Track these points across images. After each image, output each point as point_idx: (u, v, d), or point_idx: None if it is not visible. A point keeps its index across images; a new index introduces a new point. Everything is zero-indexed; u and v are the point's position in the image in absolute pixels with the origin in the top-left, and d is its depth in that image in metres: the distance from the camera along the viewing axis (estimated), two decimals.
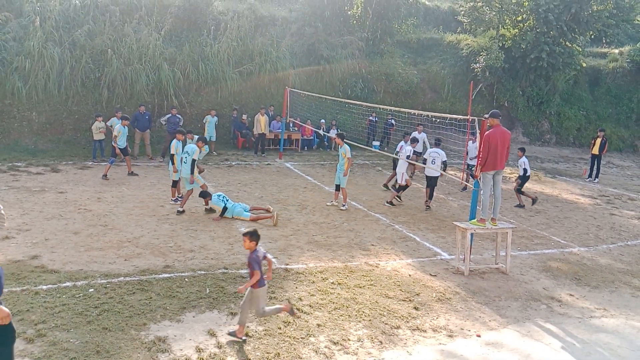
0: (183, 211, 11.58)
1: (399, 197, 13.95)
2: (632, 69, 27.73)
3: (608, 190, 17.94)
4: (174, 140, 12.32)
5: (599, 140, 19.29)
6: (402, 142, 14.52)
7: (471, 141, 14.62)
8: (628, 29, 31.13)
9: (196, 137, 12.66)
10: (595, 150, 19.32)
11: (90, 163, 16.20)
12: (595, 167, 19.43)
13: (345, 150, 12.62)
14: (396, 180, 14.03)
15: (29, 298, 6.94)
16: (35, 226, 10.04)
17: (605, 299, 8.50)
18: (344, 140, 12.86)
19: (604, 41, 29.69)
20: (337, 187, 12.99)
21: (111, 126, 16.23)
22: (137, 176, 14.77)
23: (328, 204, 13.12)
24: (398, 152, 14.13)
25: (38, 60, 17.67)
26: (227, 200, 11.55)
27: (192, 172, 11.52)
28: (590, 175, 19.61)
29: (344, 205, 12.81)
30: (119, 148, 14.72)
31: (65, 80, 18.10)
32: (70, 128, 18.19)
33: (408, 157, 13.74)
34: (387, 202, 13.61)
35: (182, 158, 11.77)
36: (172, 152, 12.21)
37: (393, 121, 21.72)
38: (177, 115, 17.94)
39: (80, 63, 18.35)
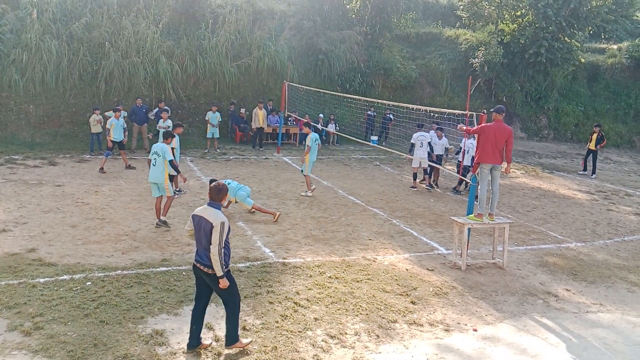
0: (165, 222, 10.13)
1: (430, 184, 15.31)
2: (631, 65, 27.73)
3: (605, 185, 17.97)
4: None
5: (595, 136, 19.34)
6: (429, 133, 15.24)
7: (436, 136, 15.20)
8: (627, 24, 31.11)
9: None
10: (592, 146, 19.36)
11: (88, 156, 16.17)
12: (591, 162, 19.49)
13: (308, 138, 13.06)
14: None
15: (26, 291, 6.94)
16: (33, 219, 10.02)
17: (602, 294, 8.53)
18: (311, 127, 13.47)
19: (602, 37, 29.67)
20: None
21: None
22: (134, 169, 14.75)
23: (302, 194, 13.36)
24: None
25: (35, 52, 17.59)
26: (230, 182, 11.12)
27: (178, 172, 10.38)
28: (585, 169, 19.76)
29: (306, 192, 13.23)
30: (116, 141, 14.68)
31: (63, 73, 18.03)
32: (68, 121, 18.13)
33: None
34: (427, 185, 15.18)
35: (149, 160, 10.28)
36: (172, 146, 12.17)
37: (391, 116, 21.70)
38: (165, 107, 17.79)
39: (77, 56, 18.27)
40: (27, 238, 9.01)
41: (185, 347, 5.90)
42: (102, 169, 14.18)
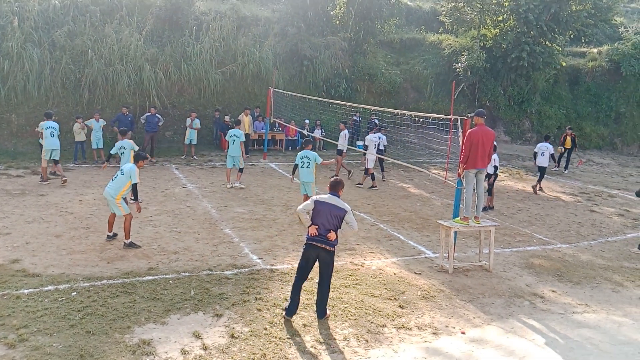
0: (132, 244, 9.36)
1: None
2: (611, 68, 28.16)
3: (588, 187, 18.21)
4: (125, 141, 11.93)
5: (569, 138, 20.82)
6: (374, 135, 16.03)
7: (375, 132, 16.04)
8: (606, 28, 31.62)
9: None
10: (568, 145, 20.87)
11: (72, 165, 16.00)
12: (566, 158, 21.17)
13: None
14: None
15: (10, 302, 6.84)
16: (16, 229, 9.88)
17: (587, 294, 8.63)
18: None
19: (583, 41, 30.12)
20: (241, 170, 14.63)
21: (90, 126, 16.20)
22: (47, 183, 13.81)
23: (229, 185, 14.44)
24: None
25: (17, 61, 17.40)
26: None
27: (136, 198, 9.72)
28: (559, 165, 21.06)
29: (235, 183, 14.53)
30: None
31: (45, 82, 17.85)
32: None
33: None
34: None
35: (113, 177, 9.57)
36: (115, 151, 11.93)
37: (377, 121, 21.77)
38: (157, 115, 17.72)
39: (60, 64, 18.11)
40: (10, 249, 8.87)
41: (286, 313, 6.95)
42: (62, 177, 13.79)
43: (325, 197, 7.02)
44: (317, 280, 7.10)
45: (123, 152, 11.78)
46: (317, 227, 6.86)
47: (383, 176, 16.97)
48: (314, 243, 6.85)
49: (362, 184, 15.75)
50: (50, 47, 18.23)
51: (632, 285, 9.17)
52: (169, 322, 6.64)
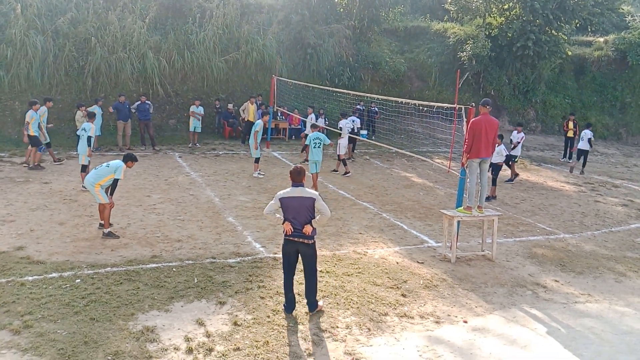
0: (110, 233, 9.20)
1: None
2: (617, 58, 27.94)
3: (592, 177, 18.14)
4: (87, 124, 12.40)
5: (571, 124, 20.57)
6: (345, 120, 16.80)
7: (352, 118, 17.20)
8: (613, 17, 31.36)
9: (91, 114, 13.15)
10: (571, 133, 20.59)
11: (75, 153, 15.98)
12: (569, 148, 20.89)
13: (260, 126, 14.57)
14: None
15: (15, 289, 6.88)
16: (20, 217, 9.93)
17: (590, 284, 8.63)
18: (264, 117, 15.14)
19: (589, 30, 29.89)
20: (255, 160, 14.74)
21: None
22: (42, 170, 13.86)
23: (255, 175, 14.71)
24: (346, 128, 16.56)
25: (20, 48, 17.38)
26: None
27: (112, 193, 9.42)
28: (565, 156, 21.04)
29: (256, 173, 14.71)
30: (30, 136, 13.64)
31: (49, 69, 17.84)
32: (54, 117, 17.83)
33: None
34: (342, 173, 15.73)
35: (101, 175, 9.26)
36: (89, 133, 12.12)
37: (376, 109, 21.70)
38: (147, 102, 17.54)
39: (63, 51, 18.07)
40: (14, 236, 8.92)
41: (283, 310, 6.83)
42: (38, 164, 13.81)
43: (288, 190, 6.67)
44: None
45: (82, 135, 12.27)
46: (290, 223, 6.59)
47: (351, 156, 17.84)
48: (292, 238, 6.63)
49: (337, 170, 15.92)
50: (54, 35, 18.19)
51: (635, 275, 9.17)
52: (173, 310, 6.68)
